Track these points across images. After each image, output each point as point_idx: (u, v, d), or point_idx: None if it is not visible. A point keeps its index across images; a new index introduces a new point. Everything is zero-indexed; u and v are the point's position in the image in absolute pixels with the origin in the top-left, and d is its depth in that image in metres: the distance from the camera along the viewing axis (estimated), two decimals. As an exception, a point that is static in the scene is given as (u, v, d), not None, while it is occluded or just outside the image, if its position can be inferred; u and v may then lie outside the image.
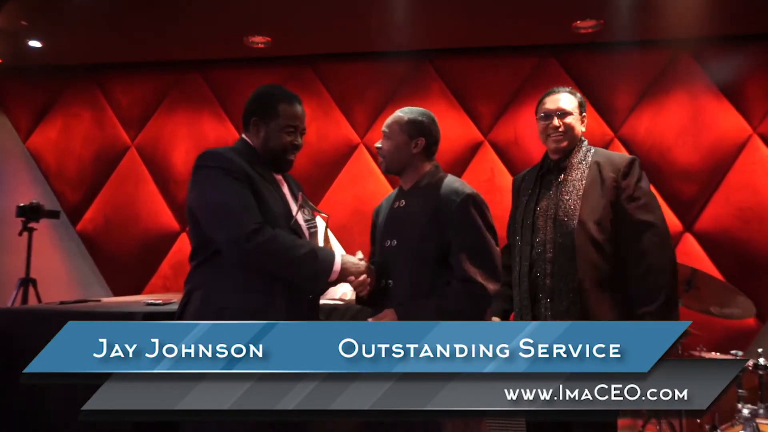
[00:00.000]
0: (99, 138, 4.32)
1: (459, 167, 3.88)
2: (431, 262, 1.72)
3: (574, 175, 2.00)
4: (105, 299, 2.70)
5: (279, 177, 1.82)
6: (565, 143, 2.02)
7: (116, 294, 4.15)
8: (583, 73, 3.83)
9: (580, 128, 2.07)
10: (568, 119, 2.03)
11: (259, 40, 3.84)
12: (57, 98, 4.38)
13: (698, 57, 3.71)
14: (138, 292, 4.14)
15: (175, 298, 2.17)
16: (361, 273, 1.69)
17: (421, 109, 1.89)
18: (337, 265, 1.65)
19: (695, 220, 3.67)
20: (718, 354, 2.68)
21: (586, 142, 2.07)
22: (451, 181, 1.82)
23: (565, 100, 2.06)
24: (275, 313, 1.54)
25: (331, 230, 1.90)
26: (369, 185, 3.94)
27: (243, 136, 1.83)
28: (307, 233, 1.77)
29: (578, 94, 2.12)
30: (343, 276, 1.67)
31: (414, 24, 3.47)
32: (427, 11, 3.37)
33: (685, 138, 3.67)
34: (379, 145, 1.88)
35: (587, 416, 0.99)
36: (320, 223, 1.92)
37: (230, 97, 4.19)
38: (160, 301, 2.17)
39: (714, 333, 3.29)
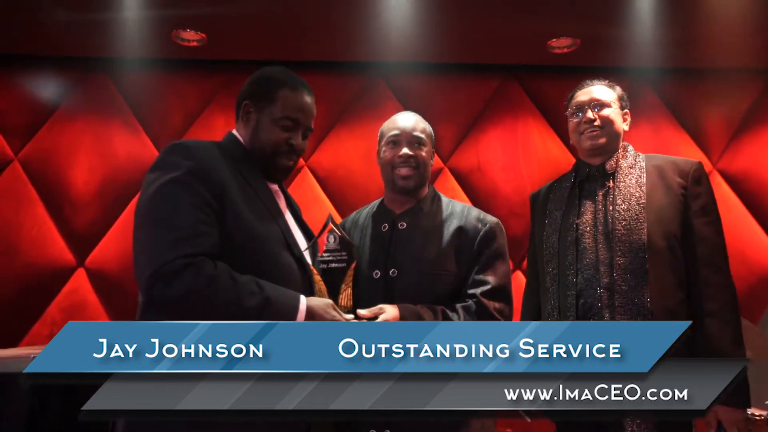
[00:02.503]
0: (-31, 148, 4.27)
1: (416, 196, 4.19)
2: (442, 299, 1.78)
3: (627, 180, 1.93)
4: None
5: (274, 187, 1.74)
6: (603, 140, 1.99)
7: (-14, 345, 4.05)
8: (547, 98, 4.29)
9: (621, 125, 2.05)
10: (606, 111, 2.01)
11: (191, 37, 3.85)
12: None
13: (658, 89, 4.28)
14: (15, 343, 4.04)
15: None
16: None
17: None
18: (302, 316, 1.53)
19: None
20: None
21: (632, 147, 2.05)
22: (467, 206, 1.91)
23: (601, 91, 2.05)
24: None
25: None
26: (315, 212, 4.15)
27: (234, 130, 1.75)
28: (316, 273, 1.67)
29: (618, 87, 2.11)
30: None
31: (368, 34, 3.73)
32: (383, 21, 3.59)
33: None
34: (411, 153, 1.84)
35: (587, 416, 1.24)
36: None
37: (146, 105, 4.27)
38: None
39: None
